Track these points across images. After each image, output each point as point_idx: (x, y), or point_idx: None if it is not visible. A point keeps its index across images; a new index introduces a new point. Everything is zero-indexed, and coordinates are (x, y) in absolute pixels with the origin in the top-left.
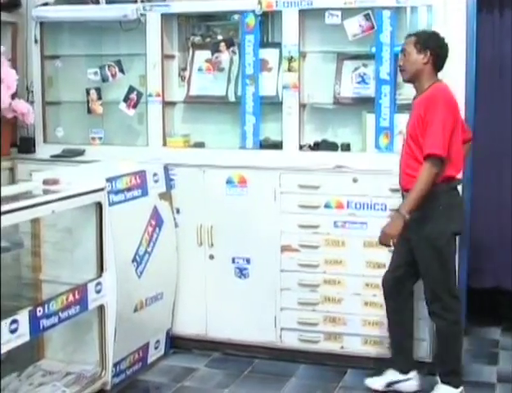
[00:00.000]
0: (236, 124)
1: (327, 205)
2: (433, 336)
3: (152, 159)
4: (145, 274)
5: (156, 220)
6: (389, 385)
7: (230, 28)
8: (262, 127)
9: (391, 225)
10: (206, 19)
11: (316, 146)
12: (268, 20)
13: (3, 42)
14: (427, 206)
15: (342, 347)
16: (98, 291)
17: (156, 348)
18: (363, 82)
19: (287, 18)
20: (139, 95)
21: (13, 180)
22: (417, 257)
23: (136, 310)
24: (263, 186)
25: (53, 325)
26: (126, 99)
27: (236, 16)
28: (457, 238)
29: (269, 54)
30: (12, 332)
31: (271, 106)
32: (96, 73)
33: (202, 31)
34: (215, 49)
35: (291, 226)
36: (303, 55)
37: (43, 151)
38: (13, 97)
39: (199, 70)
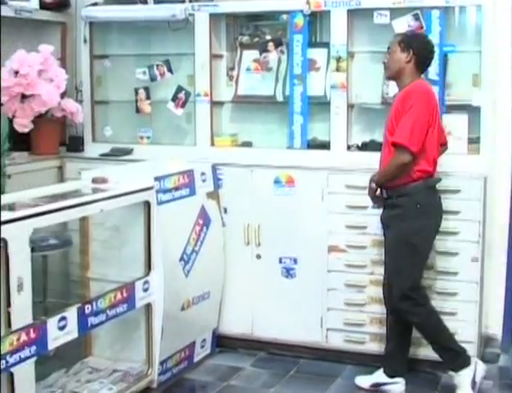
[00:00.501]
0: (284, 123)
1: (375, 206)
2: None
3: (200, 158)
4: (192, 273)
5: (204, 219)
6: (376, 385)
7: (278, 27)
8: (309, 127)
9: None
10: (254, 18)
11: (364, 147)
12: (317, 19)
13: (53, 42)
14: (405, 204)
15: None
16: (146, 290)
17: (202, 347)
18: None
19: (335, 18)
20: (187, 94)
21: (62, 179)
22: (389, 256)
23: (183, 309)
24: (311, 186)
25: (101, 323)
26: (174, 98)
27: (285, 16)
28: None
29: (317, 54)
30: (61, 328)
31: (318, 105)
32: (144, 72)
33: (250, 31)
34: (263, 49)
35: (338, 226)
36: (351, 55)
37: (92, 149)
38: (62, 96)
39: (248, 69)
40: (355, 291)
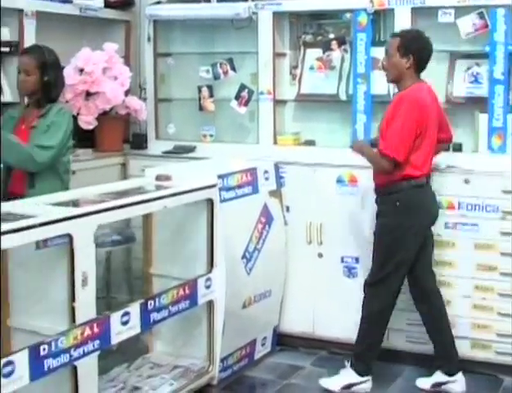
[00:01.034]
0: (347, 122)
1: (438, 206)
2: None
3: (263, 156)
4: (254, 271)
5: (266, 218)
6: (436, 385)
7: (341, 26)
8: (372, 126)
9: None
10: (318, 17)
11: None
12: (380, 18)
13: (117, 40)
14: (385, 202)
15: None
16: (208, 287)
17: (263, 345)
18: (476, 81)
19: (399, 16)
20: (250, 93)
21: (125, 176)
22: (373, 247)
23: (244, 307)
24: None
25: (163, 319)
26: (237, 97)
27: (348, 15)
28: None
29: (381, 52)
30: (124, 323)
31: (382, 104)
32: (208, 70)
33: (313, 29)
34: (326, 47)
35: None
36: None
37: (155, 147)
38: (126, 93)
39: (311, 68)
40: None
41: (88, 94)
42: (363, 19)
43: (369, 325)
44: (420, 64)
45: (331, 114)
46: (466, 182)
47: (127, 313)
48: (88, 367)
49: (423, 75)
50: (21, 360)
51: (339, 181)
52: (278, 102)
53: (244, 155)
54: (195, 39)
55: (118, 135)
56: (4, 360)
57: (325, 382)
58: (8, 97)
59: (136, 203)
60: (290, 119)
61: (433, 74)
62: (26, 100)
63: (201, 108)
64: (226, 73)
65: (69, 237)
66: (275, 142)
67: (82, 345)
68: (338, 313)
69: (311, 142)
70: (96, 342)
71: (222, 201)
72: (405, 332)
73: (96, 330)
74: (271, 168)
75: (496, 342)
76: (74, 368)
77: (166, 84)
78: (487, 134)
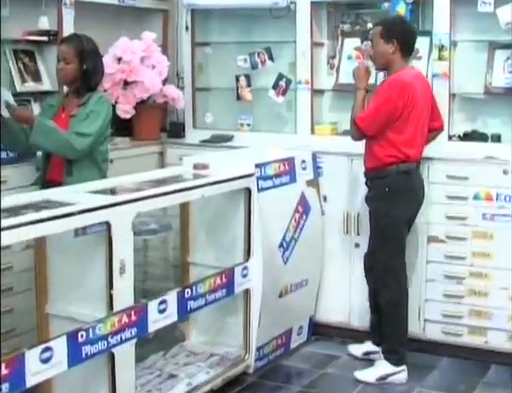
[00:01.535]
0: None
1: (476, 197)
2: None
3: (300, 146)
4: (291, 260)
5: (303, 207)
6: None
7: (380, 16)
8: None
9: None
10: (356, 6)
11: (466, 137)
12: (419, 7)
13: (155, 29)
14: (376, 186)
15: (486, 342)
16: (244, 276)
17: (299, 334)
18: None
19: (438, 6)
20: (288, 82)
21: (162, 164)
22: (370, 232)
23: (280, 296)
24: None
25: (200, 307)
26: (275, 86)
27: (386, 4)
28: None
29: (419, 42)
30: (161, 312)
31: None
32: (245, 60)
33: (351, 19)
34: (364, 37)
35: (438, 217)
36: (453, 43)
37: (192, 136)
38: (164, 82)
39: (349, 57)
40: (454, 283)
41: (126, 83)
42: (401, 8)
43: (388, 323)
44: (405, 48)
45: None
46: (505, 172)
47: (164, 302)
48: (125, 354)
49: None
50: (59, 346)
51: None
52: (316, 92)
53: (281, 144)
54: (232, 28)
55: (155, 124)
56: (42, 346)
57: (361, 374)
58: (47, 85)
59: (174, 192)
60: (328, 108)
61: (472, 64)
62: (65, 88)
63: (239, 97)
64: (263, 62)
65: (108, 224)
66: (312, 132)
67: (119, 332)
68: None
69: (348, 132)
70: (134, 330)
71: (260, 190)
72: (440, 323)
73: (133, 318)
74: (308, 157)
75: None
76: (112, 355)
77: (204, 73)
78: None
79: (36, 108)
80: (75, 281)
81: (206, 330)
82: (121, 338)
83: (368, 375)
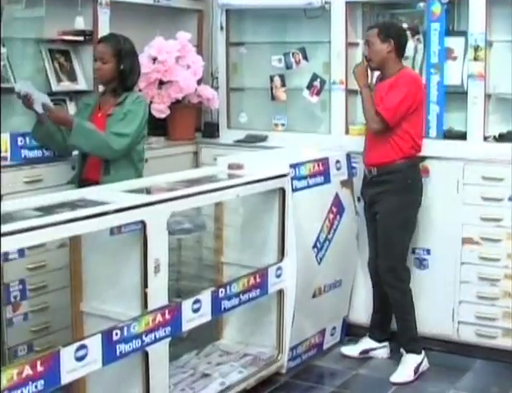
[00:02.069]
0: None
1: (511, 198)
2: None
3: (334, 146)
4: (324, 261)
5: (337, 208)
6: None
7: (415, 16)
8: (445, 116)
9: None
10: (391, 6)
11: (501, 138)
12: (454, 7)
13: (190, 30)
14: (395, 180)
15: None
16: (278, 276)
17: (332, 335)
18: None
19: (474, 6)
20: (322, 82)
21: (197, 164)
22: (380, 230)
23: (314, 296)
24: (446, 176)
25: (233, 307)
26: (309, 86)
27: (422, 4)
28: None
29: (454, 42)
30: (195, 311)
31: (455, 95)
32: (280, 60)
33: (386, 19)
34: None
35: (473, 218)
36: (489, 44)
37: (227, 136)
38: (199, 82)
39: None
40: (488, 285)
41: (161, 83)
42: (437, 8)
43: (404, 314)
44: (400, 48)
45: None
46: None
47: (198, 301)
48: (159, 353)
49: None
50: (94, 344)
51: None
52: (350, 92)
53: (315, 144)
54: (267, 29)
55: (190, 124)
56: (77, 344)
57: (396, 378)
58: (82, 85)
59: (209, 191)
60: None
61: (508, 64)
62: (101, 88)
63: (273, 97)
64: (298, 62)
65: (143, 223)
66: (346, 132)
67: (153, 331)
68: None
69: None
70: (168, 329)
71: (294, 190)
72: (474, 325)
73: (167, 317)
74: (342, 158)
75: None
76: (146, 354)
77: (238, 73)
78: None
79: (71, 107)
80: (110, 279)
81: (240, 330)
82: (155, 337)
83: (403, 375)
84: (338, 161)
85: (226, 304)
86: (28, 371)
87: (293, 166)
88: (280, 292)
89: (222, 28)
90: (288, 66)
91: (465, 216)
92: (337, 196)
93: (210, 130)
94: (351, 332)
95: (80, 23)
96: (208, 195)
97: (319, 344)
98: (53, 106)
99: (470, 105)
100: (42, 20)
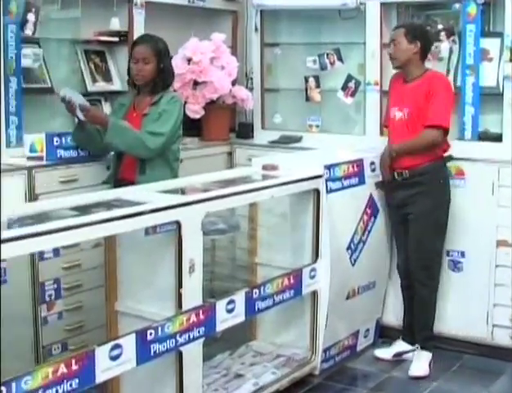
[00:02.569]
0: (454, 114)
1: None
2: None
3: (369, 148)
4: (358, 262)
5: (372, 209)
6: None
7: (450, 17)
8: (481, 118)
9: (381, 158)
10: (426, 7)
11: None
12: (490, 8)
13: (224, 30)
14: (428, 181)
15: None
16: (312, 277)
17: (366, 336)
18: None
19: (510, 6)
20: (357, 84)
21: (231, 165)
22: (414, 230)
23: (348, 298)
24: (481, 179)
25: (267, 307)
26: (344, 87)
27: (457, 5)
28: None
29: (490, 44)
30: (229, 311)
31: (490, 97)
32: (314, 61)
33: (422, 20)
34: (435, 38)
35: (508, 220)
36: None
37: (261, 136)
38: (233, 83)
39: None
40: None
41: (196, 83)
42: (472, 9)
43: (427, 312)
44: (425, 50)
45: None
46: None
47: (232, 301)
48: (193, 353)
49: None
50: (129, 344)
51: None
52: (385, 93)
53: (350, 145)
54: (301, 29)
55: (224, 124)
56: (112, 343)
57: (415, 372)
58: (117, 85)
59: (244, 192)
60: None
61: None
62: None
63: (308, 98)
64: (333, 63)
65: (178, 224)
66: (381, 133)
67: (187, 331)
68: (441, 308)
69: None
70: (202, 329)
71: (329, 191)
72: (509, 328)
73: (201, 317)
74: (377, 159)
75: None
76: (180, 354)
77: (273, 74)
78: None
79: (106, 108)
80: (145, 279)
81: (273, 331)
82: (189, 337)
83: (422, 369)
84: (372, 163)
85: (260, 304)
86: (63, 369)
87: (327, 167)
88: (314, 293)
89: (256, 29)
90: (322, 67)
91: (500, 218)
92: (371, 198)
93: (244, 131)
94: (384, 334)
95: (115, 24)
96: (242, 195)
97: (352, 346)
98: (90, 106)
99: (506, 106)
100: (77, 21)
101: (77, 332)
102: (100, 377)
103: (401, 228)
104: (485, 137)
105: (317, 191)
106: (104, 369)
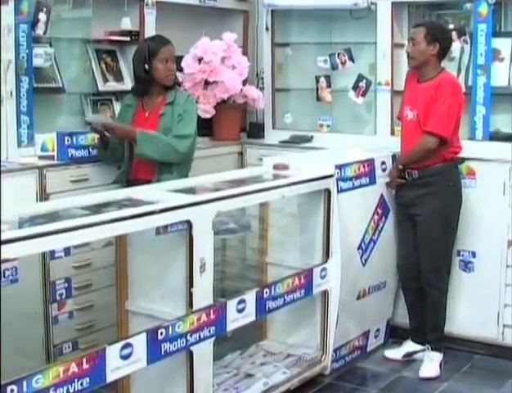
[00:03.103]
0: (465, 114)
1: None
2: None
3: (380, 147)
4: (369, 262)
5: (383, 209)
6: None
7: (461, 17)
8: (492, 118)
9: (390, 171)
10: (437, 7)
11: None
12: (501, 8)
13: (235, 30)
14: (438, 183)
15: None
16: (323, 277)
17: (376, 337)
18: None
19: None
20: (368, 83)
21: (242, 164)
22: (422, 232)
23: (358, 298)
24: (492, 179)
25: (278, 307)
26: (355, 87)
27: (468, 5)
28: None
29: (502, 44)
30: (239, 311)
31: (502, 96)
32: (325, 61)
33: (434, 19)
34: None
35: None
36: None
37: (272, 136)
38: (244, 83)
39: None
40: None
41: (207, 83)
42: (484, 9)
43: (438, 313)
44: (444, 52)
45: None
46: None
47: (243, 301)
48: (204, 352)
49: None
50: (139, 343)
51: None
52: (396, 93)
53: (361, 145)
54: (312, 29)
55: (235, 124)
56: (123, 342)
57: (426, 373)
58: (128, 85)
59: (255, 192)
60: None
61: None
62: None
63: (318, 98)
64: (344, 63)
65: (189, 223)
66: (392, 133)
67: (198, 330)
68: (452, 308)
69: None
70: (212, 328)
71: (339, 191)
72: None
73: (212, 316)
74: (388, 159)
75: None
76: (190, 353)
77: (283, 74)
78: None
79: (117, 107)
80: (155, 278)
81: (283, 330)
82: (200, 336)
83: (433, 370)
84: (383, 162)
85: (270, 304)
86: (74, 368)
87: (338, 167)
88: (325, 293)
89: (267, 28)
90: (333, 67)
91: (511, 218)
92: (382, 198)
93: (255, 130)
94: (395, 334)
95: (127, 23)
96: (253, 195)
97: (363, 346)
98: (113, 123)
99: None
100: (89, 21)
101: (87, 331)
102: (110, 376)
103: (406, 227)
104: (496, 137)
105: (328, 191)
106: (114, 368)
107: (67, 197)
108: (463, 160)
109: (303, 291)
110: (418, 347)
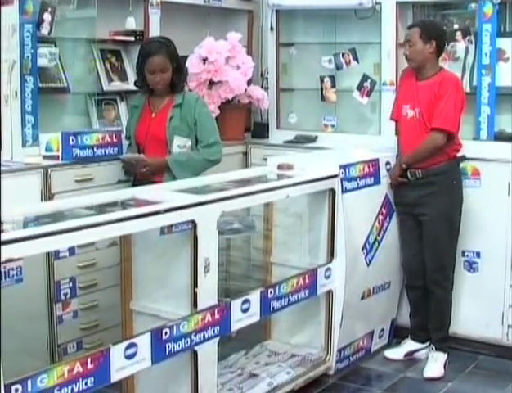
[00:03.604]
0: (470, 114)
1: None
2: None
3: (384, 147)
4: (373, 263)
5: (387, 209)
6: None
7: (466, 17)
8: (497, 118)
9: (391, 170)
10: (442, 7)
11: None
12: (506, 8)
13: (240, 30)
14: (441, 182)
15: None
16: (327, 277)
17: (380, 337)
18: None
19: None
20: (373, 83)
21: (247, 164)
22: (428, 231)
23: (363, 298)
24: (497, 179)
25: (282, 307)
26: (359, 87)
27: (473, 5)
28: None
29: (506, 44)
30: (244, 311)
31: (506, 96)
32: (330, 60)
33: (437, 20)
34: (451, 38)
35: None
36: None
37: (276, 136)
38: (249, 83)
39: None
40: None
41: (211, 83)
42: (488, 9)
43: (443, 313)
44: (440, 49)
45: None
46: None
47: (247, 301)
48: (208, 352)
49: None
50: (144, 343)
51: (462, 173)
52: None
53: (365, 145)
54: (317, 29)
55: (240, 124)
56: (127, 342)
57: (431, 373)
58: (133, 84)
59: (259, 192)
60: None
61: None
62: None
63: (323, 98)
64: (348, 63)
65: (193, 223)
66: (396, 133)
67: (202, 330)
68: (456, 308)
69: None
70: (217, 328)
71: (344, 191)
72: None
73: (216, 316)
74: (393, 159)
75: None
76: (195, 353)
77: (288, 74)
78: None
79: (122, 107)
80: (160, 278)
81: (288, 330)
82: (204, 336)
83: (437, 370)
84: (388, 162)
85: (275, 304)
86: (78, 368)
87: (343, 167)
88: (329, 293)
89: (272, 28)
90: (338, 67)
91: None
92: (387, 198)
93: (260, 130)
94: (399, 335)
95: (131, 23)
96: (258, 195)
97: (367, 346)
98: (145, 158)
99: None
100: (93, 21)
101: (92, 331)
102: (115, 376)
103: (410, 226)
104: (501, 137)
105: (333, 191)
106: (119, 368)
107: (71, 197)
108: (464, 157)
109: (307, 291)
110: (418, 345)
